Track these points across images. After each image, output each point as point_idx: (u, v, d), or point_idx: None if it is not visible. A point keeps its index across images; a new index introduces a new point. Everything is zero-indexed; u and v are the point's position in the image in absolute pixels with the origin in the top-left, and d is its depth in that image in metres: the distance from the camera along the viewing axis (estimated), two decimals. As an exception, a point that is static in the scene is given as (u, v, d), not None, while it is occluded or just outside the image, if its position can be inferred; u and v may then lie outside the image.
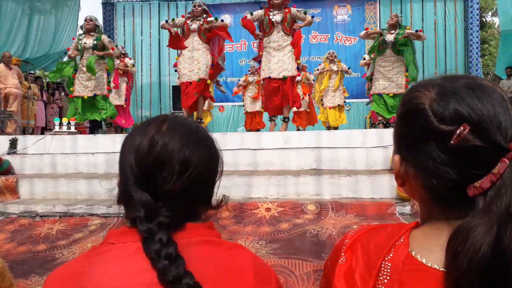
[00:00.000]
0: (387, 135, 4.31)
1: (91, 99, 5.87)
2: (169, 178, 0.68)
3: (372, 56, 6.37)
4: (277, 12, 5.45)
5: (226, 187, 3.70)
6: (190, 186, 0.70)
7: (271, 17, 5.42)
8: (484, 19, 17.65)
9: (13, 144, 4.81)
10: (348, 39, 11.32)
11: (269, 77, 5.32)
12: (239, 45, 11.72)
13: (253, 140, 4.58)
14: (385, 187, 3.61)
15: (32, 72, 9.85)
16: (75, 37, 6.37)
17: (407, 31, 5.84)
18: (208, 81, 5.73)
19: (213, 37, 5.83)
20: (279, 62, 5.31)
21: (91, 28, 6.03)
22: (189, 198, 0.71)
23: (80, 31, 6.26)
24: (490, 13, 18.45)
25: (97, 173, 4.43)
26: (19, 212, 3.74)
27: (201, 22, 5.68)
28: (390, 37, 5.78)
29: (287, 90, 5.28)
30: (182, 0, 11.86)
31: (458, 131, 0.55)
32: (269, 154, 4.35)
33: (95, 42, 5.95)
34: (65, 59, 7.69)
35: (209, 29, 5.67)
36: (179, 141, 0.70)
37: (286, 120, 5.54)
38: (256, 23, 5.69)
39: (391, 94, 5.79)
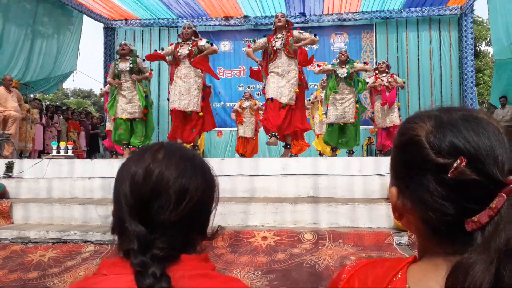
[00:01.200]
0: (384, 163, 4.32)
1: (129, 121, 6.12)
2: (165, 208, 0.67)
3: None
4: (280, 36, 5.52)
5: (223, 214, 3.67)
6: (186, 216, 0.69)
7: (273, 44, 5.49)
8: (478, 49, 18.02)
9: (9, 167, 4.78)
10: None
11: (272, 98, 5.37)
12: (238, 71, 11.87)
13: (250, 166, 4.58)
14: (382, 217, 3.58)
15: (37, 98, 9.92)
16: (110, 64, 6.55)
17: (356, 65, 6.48)
18: (200, 113, 5.71)
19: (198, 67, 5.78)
20: (282, 87, 5.37)
21: (126, 52, 6.23)
22: (185, 228, 0.70)
23: (116, 56, 6.46)
24: (484, 43, 18.86)
25: (93, 199, 4.39)
26: (11, 238, 3.68)
27: (190, 48, 5.67)
28: (342, 71, 6.35)
29: (289, 117, 5.34)
30: (182, 27, 12.07)
31: (455, 164, 0.55)
32: (266, 180, 4.34)
33: (131, 65, 6.14)
34: (104, 87, 7.85)
35: (199, 53, 5.67)
36: (175, 170, 0.70)
37: (288, 147, 5.57)
38: (260, 51, 5.75)
39: (343, 123, 6.34)
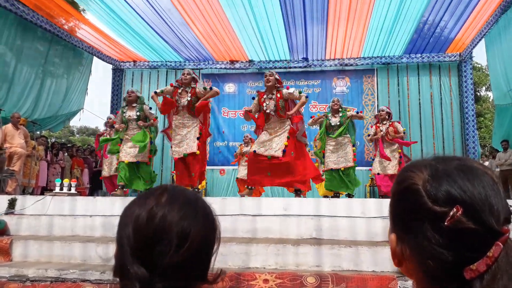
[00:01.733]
0: (386, 205, 4.30)
1: (134, 165, 6.13)
2: (167, 251, 0.69)
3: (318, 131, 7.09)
4: (270, 97, 5.63)
5: (223, 255, 3.62)
6: (187, 259, 0.70)
7: (265, 107, 5.61)
8: (478, 93, 18.33)
9: (11, 204, 4.78)
10: (347, 109, 11.62)
11: (254, 151, 5.52)
12: (242, 112, 12.04)
13: (252, 206, 4.56)
14: (386, 260, 3.52)
15: (44, 136, 10.07)
16: (119, 111, 6.71)
17: (348, 113, 6.67)
18: (197, 152, 5.72)
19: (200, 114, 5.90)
20: (275, 142, 5.52)
21: (133, 99, 6.35)
22: (186, 272, 0.71)
23: (123, 103, 6.59)
24: (484, 88, 19.21)
25: (94, 236, 4.35)
26: (9, 276, 3.62)
27: (188, 97, 5.72)
28: (335, 120, 6.54)
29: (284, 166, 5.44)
30: (189, 69, 12.42)
31: (451, 213, 0.56)
32: (268, 220, 4.31)
33: (138, 113, 6.29)
34: (108, 133, 8.10)
35: (198, 100, 5.73)
36: (178, 213, 0.72)
37: (299, 192, 5.59)
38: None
39: (342, 168, 6.42)
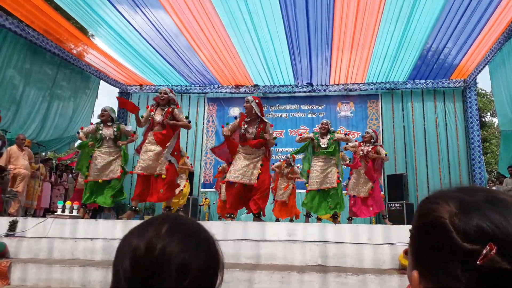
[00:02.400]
0: (394, 231, 4.20)
1: (105, 182, 6.09)
2: (166, 286, 0.64)
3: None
4: (252, 128, 5.73)
5: (226, 282, 3.52)
6: None
7: (243, 131, 5.69)
8: (483, 119, 18.31)
9: (12, 226, 4.72)
10: (351, 133, 11.66)
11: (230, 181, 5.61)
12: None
13: (256, 231, 4.46)
14: (394, 289, 3.40)
15: (50, 158, 10.08)
16: (93, 123, 6.69)
17: (336, 135, 6.76)
18: (163, 176, 5.54)
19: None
20: (251, 170, 5.62)
21: (106, 119, 6.35)
22: None
23: (98, 120, 6.55)
24: (489, 114, 19.21)
25: (94, 260, 4.26)
26: (6, 301, 3.53)
27: (162, 116, 5.66)
28: (323, 141, 6.65)
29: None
30: (194, 93, 12.55)
31: (484, 251, 0.52)
32: (272, 246, 4.21)
33: (115, 133, 6.31)
34: (77, 143, 8.03)
35: (172, 124, 5.64)
36: (178, 245, 0.68)
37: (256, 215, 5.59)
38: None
39: (326, 189, 6.47)
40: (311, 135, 6.82)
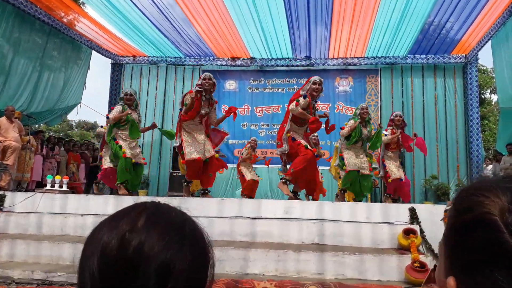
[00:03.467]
0: (393, 210, 4.11)
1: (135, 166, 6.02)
2: None
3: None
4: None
5: (220, 260, 3.43)
6: None
7: (313, 112, 5.62)
8: (483, 96, 18.16)
9: (0, 200, 4.59)
10: (349, 108, 11.50)
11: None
12: (242, 110, 11.90)
13: (252, 208, 4.36)
14: (393, 269, 3.33)
15: (36, 125, 9.87)
16: (119, 105, 6.18)
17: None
18: (216, 155, 5.90)
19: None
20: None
21: (131, 103, 6.14)
22: None
23: (120, 102, 6.19)
24: (488, 91, 19.03)
25: (84, 236, 4.14)
26: (-7, 278, 3.43)
27: (208, 109, 5.75)
28: (365, 132, 6.37)
29: None
30: (189, 65, 12.24)
31: None
32: (268, 224, 4.11)
33: (139, 118, 6.31)
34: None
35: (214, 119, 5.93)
36: (159, 242, 0.54)
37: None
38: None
39: (363, 174, 6.23)
40: (353, 122, 6.38)
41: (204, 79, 5.72)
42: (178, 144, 5.71)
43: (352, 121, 6.36)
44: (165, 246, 0.54)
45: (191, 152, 5.50)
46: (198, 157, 5.48)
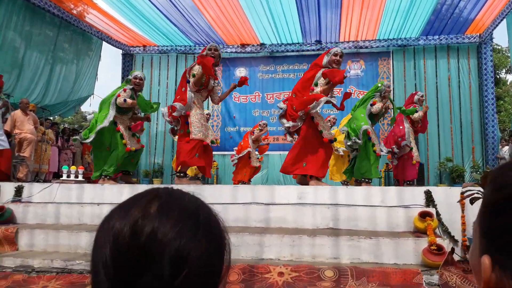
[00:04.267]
0: (408, 193, 4.07)
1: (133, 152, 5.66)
2: (156, 282, 0.49)
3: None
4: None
5: (236, 246, 3.45)
6: None
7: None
8: (498, 76, 17.72)
9: (18, 191, 4.68)
10: (362, 92, 11.35)
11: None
12: (253, 97, 11.85)
13: (265, 194, 4.36)
14: (409, 252, 3.31)
15: (49, 118, 10.00)
16: (126, 88, 5.73)
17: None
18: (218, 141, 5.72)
19: None
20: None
21: (140, 88, 5.76)
22: None
23: (129, 86, 5.73)
24: (504, 70, 18.56)
25: (101, 225, 4.22)
26: (14, 266, 3.51)
27: (214, 84, 5.40)
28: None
29: None
30: (199, 53, 12.18)
31: None
32: (282, 209, 4.11)
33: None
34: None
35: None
36: (172, 229, 0.52)
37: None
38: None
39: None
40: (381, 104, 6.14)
41: (210, 49, 5.32)
42: (179, 114, 4.94)
43: (380, 104, 6.10)
44: (179, 233, 0.52)
45: (200, 131, 4.97)
46: (205, 141, 5.01)
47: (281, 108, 5.25)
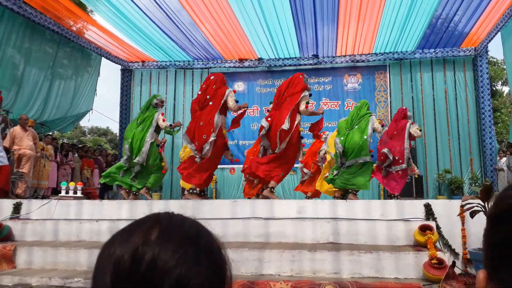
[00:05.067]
0: (408, 206, 4.07)
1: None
2: None
3: None
4: None
5: (235, 262, 3.43)
6: None
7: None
8: (494, 88, 17.84)
9: (16, 208, 4.66)
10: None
11: None
12: (252, 110, 11.90)
13: (265, 209, 4.35)
14: (410, 266, 3.29)
15: (49, 134, 10.00)
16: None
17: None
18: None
19: None
20: None
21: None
22: None
23: (160, 110, 6.28)
24: (500, 82, 18.71)
25: (100, 242, 4.20)
26: (12, 285, 3.47)
27: None
28: None
29: None
30: (198, 68, 12.30)
31: None
32: (282, 224, 4.10)
33: None
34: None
35: None
36: (173, 255, 0.52)
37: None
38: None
39: None
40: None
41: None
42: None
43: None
44: (180, 260, 0.52)
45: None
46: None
47: None
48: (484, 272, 0.48)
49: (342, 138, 6.05)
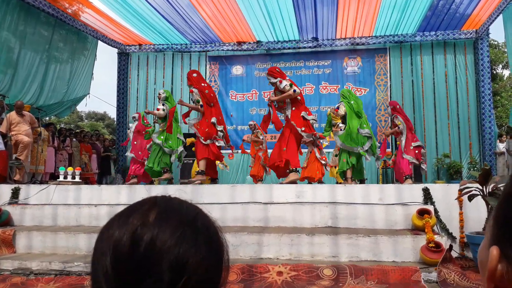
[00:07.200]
0: (407, 191, 4.07)
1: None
2: None
3: None
4: None
5: (234, 246, 3.45)
6: None
7: None
8: (494, 72, 17.73)
9: (15, 193, 4.65)
10: (358, 89, 11.35)
11: None
12: (250, 95, 11.82)
13: (264, 193, 4.35)
14: (407, 250, 3.31)
15: (47, 118, 9.95)
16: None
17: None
18: None
19: None
20: None
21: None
22: None
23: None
24: (500, 66, 18.59)
25: (99, 227, 4.18)
26: (12, 269, 3.49)
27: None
28: None
29: None
30: (195, 51, 12.15)
31: None
32: (280, 208, 4.11)
33: None
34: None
35: None
36: (171, 237, 0.53)
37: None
38: None
39: None
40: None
41: None
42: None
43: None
44: (178, 241, 0.53)
45: None
46: None
47: None
48: (497, 249, 0.46)
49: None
